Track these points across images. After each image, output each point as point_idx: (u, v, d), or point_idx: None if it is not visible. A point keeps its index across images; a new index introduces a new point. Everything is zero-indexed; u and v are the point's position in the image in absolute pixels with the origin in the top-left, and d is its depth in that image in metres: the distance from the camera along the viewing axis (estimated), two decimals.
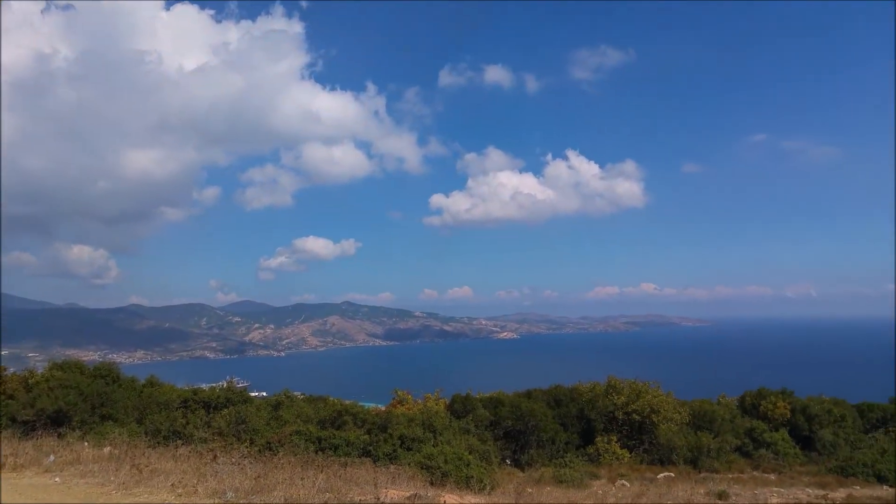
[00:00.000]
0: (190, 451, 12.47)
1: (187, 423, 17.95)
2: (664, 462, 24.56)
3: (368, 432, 18.21)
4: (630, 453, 25.78)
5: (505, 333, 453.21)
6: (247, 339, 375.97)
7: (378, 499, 8.80)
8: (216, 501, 8.61)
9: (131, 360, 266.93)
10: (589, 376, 31.38)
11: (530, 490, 14.11)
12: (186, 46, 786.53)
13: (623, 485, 17.85)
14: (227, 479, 9.63)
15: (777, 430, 28.69)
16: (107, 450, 12.16)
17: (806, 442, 29.59)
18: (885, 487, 19.71)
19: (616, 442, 25.79)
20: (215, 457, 11.38)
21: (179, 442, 14.95)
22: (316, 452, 14.80)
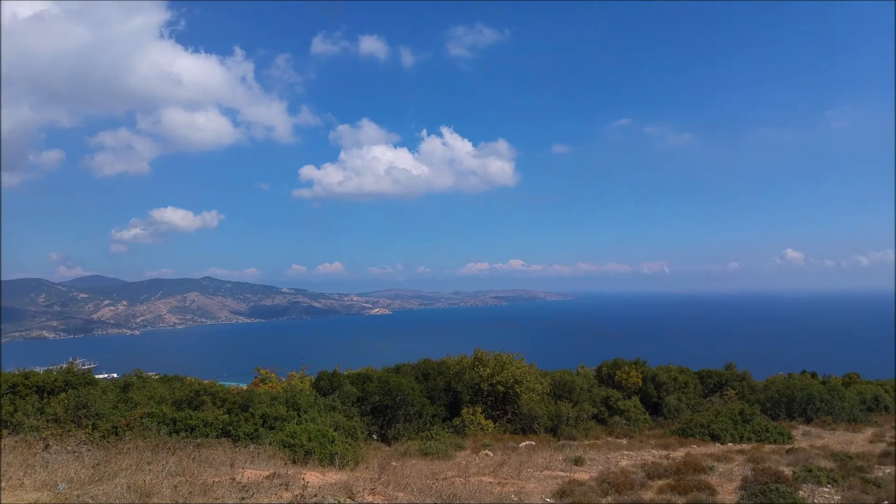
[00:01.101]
0: (17, 441, 11.13)
1: (15, 411, 16.03)
2: (526, 431, 25.72)
3: (228, 412, 17.33)
4: (494, 423, 26.75)
5: (377, 310, 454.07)
6: (95, 316, 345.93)
7: (234, 479, 8.34)
8: (46, 494, 7.71)
9: None
10: (458, 350, 32.09)
11: (395, 464, 14.16)
12: None
13: (487, 454, 18.47)
14: (61, 469, 8.66)
15: (630, 398, 30.90)
16: None
17: (654, 408, 32.20)
18: (717, 444, 22.00)
19: (481, 413, 26.65)
20: (47, 445, 10.23)
21: (6, 431, 13.35)
22: (170, 435, 13.86)
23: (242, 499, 7.71)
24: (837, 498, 11.28)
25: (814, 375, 40.50)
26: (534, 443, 21.97)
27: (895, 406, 33.68)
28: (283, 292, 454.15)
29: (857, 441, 22.78)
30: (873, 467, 15.13)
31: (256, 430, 16.29)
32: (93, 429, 14.36)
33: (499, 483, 12.66)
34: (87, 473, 8.49)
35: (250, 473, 9.13)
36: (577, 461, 16.66)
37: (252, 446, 13.67)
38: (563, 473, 14.51)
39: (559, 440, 23.45)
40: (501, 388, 27.89)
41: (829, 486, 12.27)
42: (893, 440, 21.34)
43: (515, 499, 11.15)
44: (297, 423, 16.22)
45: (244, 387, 26.32)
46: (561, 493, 11.71)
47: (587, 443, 22.76)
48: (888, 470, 14.80)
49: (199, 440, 13.56)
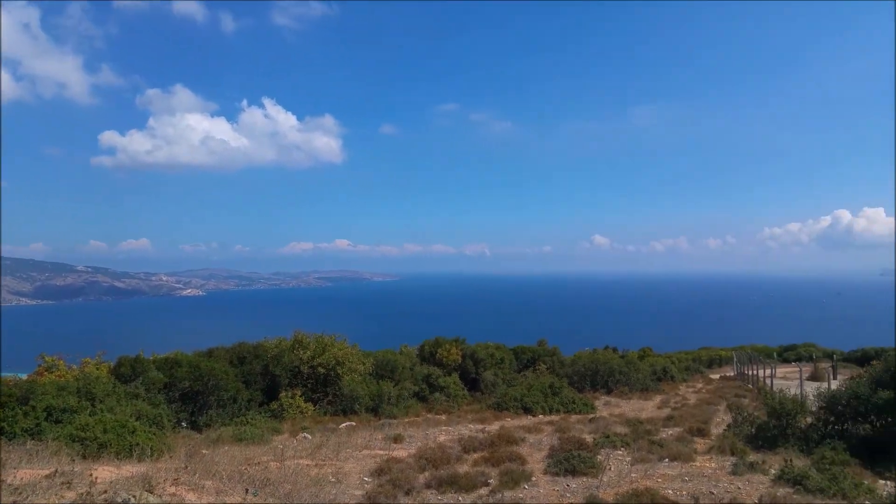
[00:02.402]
0: None
1: None
2: (347, 412, 25.51)
3: (2, 406, 15.01)
4: (314, 406, 26.22)
5: (189, 290, 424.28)
6: None
7: (3, 481, 7.17)
8: None
9: None
10: (277, 332, 30.80)
11: (205, 451, 13.28)
12: None
13: (305, 437, 18.05)
14: None
15: (450, 375, 31.69)
16: None
17: (473, 383, 33.38)
18: (529, 417, 23.58)
19: (300, 396, 25.95)
20: None
21: None
22: None
23: (14, 503, 6.65)
24: (629, 459, 12.70)
25: (615, 350, 45.18)
26: (354, 423, 21.90)
27: (679, 375, 38.86)
28: (79, 271, 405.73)
29: (648, 408, 25.92)
30: (659, 430, 17.34)
31: (38, 424, 14.30)
32: None
33: (316, 465, 12.43)
34: None
35: (25, 474, 7.91)
36: (397, 439, 16.90)
37: (30, 443, 11.96)
38: (381, 452, 14.63)
39: (380, 419, 23.57)
40: (322, 370, 27.40)
41: (622, 448, 13.80)
42: (676, 406, 24.65)
43: (333, 479, 11.01)
44: (90, 415, 14.47)
45: (24, 377, 23.01)
46: (379, 472, 11.78)
47: (407, 420, 23.14)
48: (670, 431, 17.08)
49: None
